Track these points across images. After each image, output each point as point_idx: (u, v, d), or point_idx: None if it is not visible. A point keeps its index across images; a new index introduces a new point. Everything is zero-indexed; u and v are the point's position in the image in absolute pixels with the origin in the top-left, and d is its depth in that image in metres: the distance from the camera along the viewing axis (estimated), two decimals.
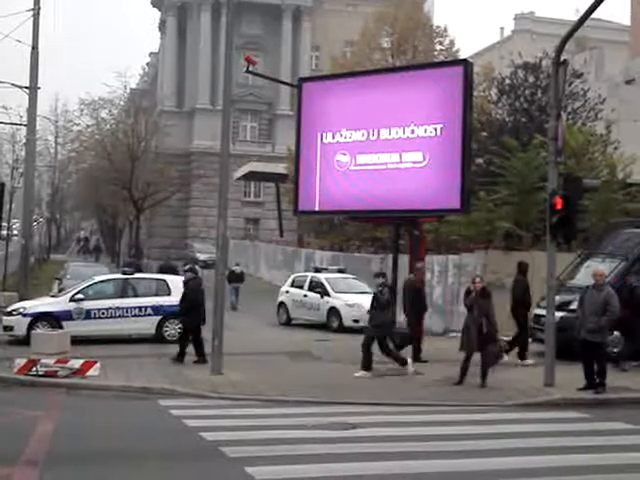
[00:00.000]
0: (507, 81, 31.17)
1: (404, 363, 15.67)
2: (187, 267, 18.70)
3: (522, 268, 17.87)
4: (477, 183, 24.75)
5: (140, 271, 27.68)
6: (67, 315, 19.72)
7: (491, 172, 26.11)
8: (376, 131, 20.52)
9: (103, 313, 19.95)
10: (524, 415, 12.31)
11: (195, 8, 65.70)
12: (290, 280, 27.40)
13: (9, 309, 20.55)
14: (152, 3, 73.30)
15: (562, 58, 14.84)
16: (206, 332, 17.24)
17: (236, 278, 30.57)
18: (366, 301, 23.96)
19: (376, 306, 15.69)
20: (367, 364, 15.48)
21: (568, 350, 15.19)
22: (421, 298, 18.30)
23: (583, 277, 17.18)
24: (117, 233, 61.26)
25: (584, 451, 9.72)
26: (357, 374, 15.34)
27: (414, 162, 19.84)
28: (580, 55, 39.89)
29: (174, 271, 28.75)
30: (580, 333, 13.83)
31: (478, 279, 14.82)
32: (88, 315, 19.73)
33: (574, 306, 15.60)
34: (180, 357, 16.76)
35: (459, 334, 20.68)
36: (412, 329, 17.66)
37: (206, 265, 41.26)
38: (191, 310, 16.95)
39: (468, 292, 14.85)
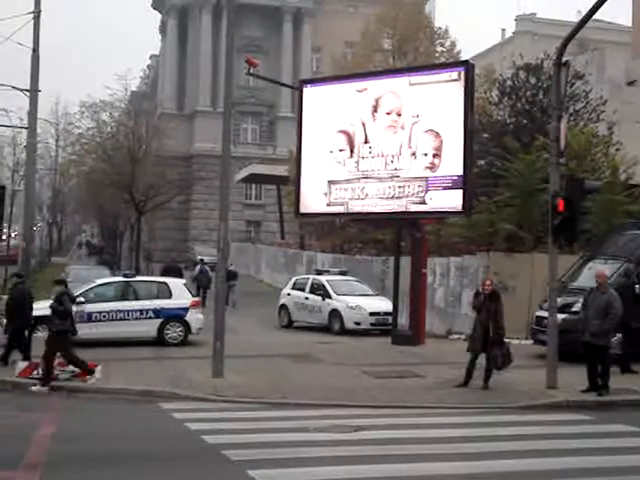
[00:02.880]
0: (508, 82, 31.11)
1: (91, 372, 14.85)
2: (14, 272, 19.29)
3: None
4: (479, 185, 24.72)
5: (118, 267, 28.83)
6: None
7: (493, 174, 26.10)
8: (377, 133, 20.53)
9: (104, 316, 19.89)
10: (527, 417, 12.27)
11: (196, 10, 65.78)
12: (291, 282, 27.34)
13: None
14: (153, 5, 73.40)
15: (564, 59, 14.79)
16: (207, 334, 17.19)
17: (232, 276, 31.37)
18: (368, 303, 24.14)
19: (56, 314, 14.80)
20: (46, 376, 14.52)
21: (571, 352, 15.17)
22: None
23: (585, 279, 17.11)
24: (118, 236, 61.21)
25: (586, 453, 9.68)
26: (34, 388, 14.34)
27: (416, 164, 19.84)
28: (582, 56, 39.71)
29: (179, 272, 28.67)
30: (584, 335, 13.82)
31: (488, 281, 14.88)
32: (89, 318, 19.63)
33: (576, 308, 15.54)
34: (4, 358, 16.37)
35: (461, 336, 20.72)
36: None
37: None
38: (17, 314, 16.68)
39: (477, 294, 14.82)
